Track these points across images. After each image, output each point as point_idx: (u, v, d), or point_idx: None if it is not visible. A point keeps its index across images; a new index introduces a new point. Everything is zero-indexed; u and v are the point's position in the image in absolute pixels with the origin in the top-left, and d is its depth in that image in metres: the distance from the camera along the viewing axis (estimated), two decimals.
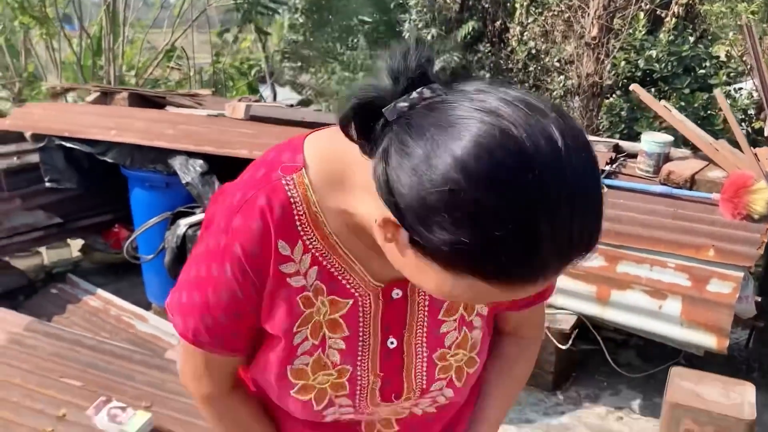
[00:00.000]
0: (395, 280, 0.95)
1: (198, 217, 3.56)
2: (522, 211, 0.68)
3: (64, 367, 3.02)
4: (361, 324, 0.98)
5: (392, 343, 1.01)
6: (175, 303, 1.00)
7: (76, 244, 4.74)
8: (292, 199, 0.89)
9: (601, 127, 5.64)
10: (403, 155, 0.72)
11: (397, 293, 0.98)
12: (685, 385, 2.68)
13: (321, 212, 0.90)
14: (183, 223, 3.49)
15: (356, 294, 0.96)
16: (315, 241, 0.91)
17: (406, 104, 0.75)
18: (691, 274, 2.91)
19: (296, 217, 0.89)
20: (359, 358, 0.99)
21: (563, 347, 3.22)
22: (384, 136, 0.75)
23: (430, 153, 0.70)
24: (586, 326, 3.34)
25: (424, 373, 1.03)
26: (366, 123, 0.77)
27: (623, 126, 5.44)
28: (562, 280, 3.22)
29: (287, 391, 1.00)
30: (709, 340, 2.88)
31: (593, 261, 3.17)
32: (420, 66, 0.78)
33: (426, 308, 1.00)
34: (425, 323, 1.01)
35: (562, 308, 3.28)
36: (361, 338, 0.99)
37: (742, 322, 3.93)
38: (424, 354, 1.02)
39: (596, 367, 3.64)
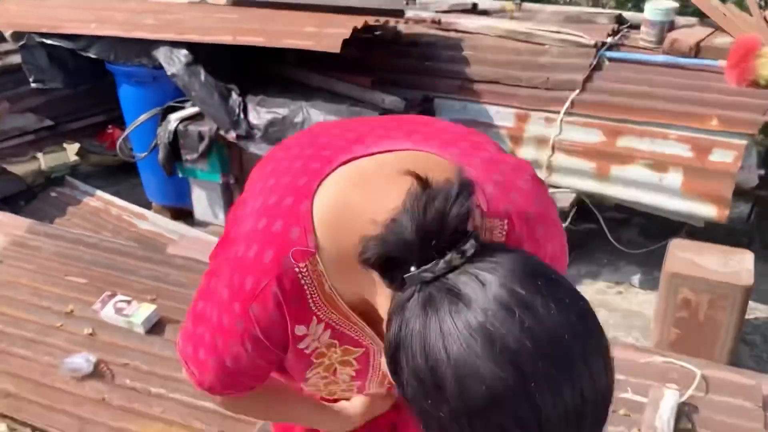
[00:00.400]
0: None
1: (188, 111, 3.48)
2: None
3: (68, 266, 3.05)
4: (370, 362, 1.03)
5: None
6: (189, 356, 1.03)
7: (72, 149, 4.68)
8: (306, 287, 0.89)
9: (607, 6, 5.41)
10: (413, 341, 0.72)
11: None
12: (684, 255, 2.69)
13: (335, 292, 0.90)
14: (173, 119, 3.43)
15: (366, 345, 1.00)
16: (329, 313, 0.93)
17: (429, 275, 0.72)
18: (693, 144, 2.85)
19: (311, 301, 0.91)
20: (368, 379, 1.06)
21: (563, 225, 3.21)
22: (404, 288, 0.74)
23: (435, 366, 0.69)
24: (587, 208, 3.32)
25: None
26: (388, 271, 0.76)
27: (630, 5, 5.22)
28: (561, 158, 3.18)
29: (300, 384, 1.07)
30: (709, 211, 2.86)
31: (592, 136, 3.11)
32: (455, 231, 0.71)
33: None
34: None
35: (560, 186, 3.25)
36: (370, 372, 1.05)
37: (744, 195, 3.91)
38: None
39: (597, 246, 3.66)
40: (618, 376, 2.45)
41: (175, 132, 3.40)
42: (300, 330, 0.93)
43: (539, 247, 0.92)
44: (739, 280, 2.51)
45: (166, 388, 2.39)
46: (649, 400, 2.22)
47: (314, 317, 0.93)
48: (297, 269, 0.87)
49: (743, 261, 2.63)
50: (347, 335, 0.97)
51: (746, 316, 2.85)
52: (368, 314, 0.94)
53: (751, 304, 3.10)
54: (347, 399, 1.18)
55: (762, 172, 3.44)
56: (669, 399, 2.21)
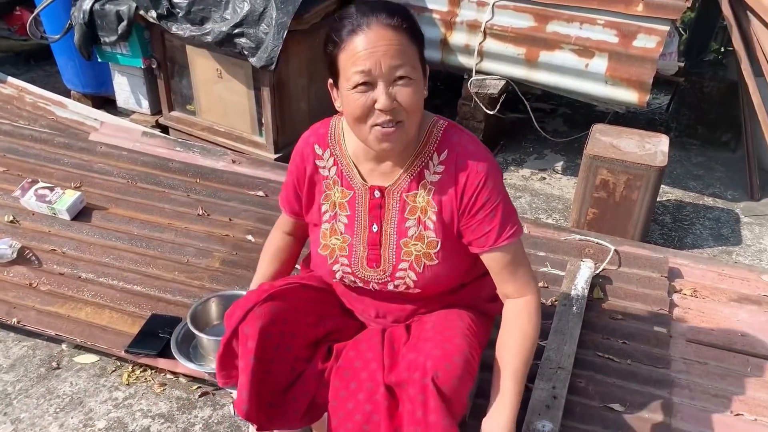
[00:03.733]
0: (376, 185, 1.48)
1: None
2: (339, 17, 1.35)
3: None
4: (357, 208, 1.51)
5: (375, 228, 1.50)
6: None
7: None
8: (331, 123, 1.55)
9: None
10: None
11: (377, 193, 1.48)
12: (604, 139, 2.79)
13: (343, 134, 1.52)
14: None
15: (355, 188, 1.50)
16: (336, 149, 1.52)
17: None
18: (619, 30, 2.89)
19: (329, 134, 1.53)
20: (355, 232, 1.51)
21: (491, 112, 3.26)
22: None
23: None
24: (515, 97, 3.37)
25: (393, 254, 1.50)
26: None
27: None
28: (491, 44, 3.17)
29: (316, 248, 1.56)
30: (631, 96, 2.95)
31: (523, 21, 3.10)
32: None
33: (396, 208, 1.49)
34: (395, 218, 1.49)
35: (490, 73, 3.26)
36: (357, 219, 1.51)
37: (665, 85, 4.05)
38: (394, 239, 1.49)
39: (524, 135, 3.75)
40: (538, 253, 2.60)
41: (91, 11, 3.19)
42: (318, 149, 1.52)
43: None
44: (654, 161, 2.63)
45: (96, 273, 2.38)
46: (566, 273, 2.37)
47: (328, 148, 1.52)
48: (332, 119, 1.55)
49: (659, 144, 2.76)
50: (345, 177, 1.51)
51: (659, 198, 3.03)
52: (357, 160, 1.49)
53: (664, 187, 3.30)
54: (345, 262, 1.54)
55: (682, 63, 3.55)
56: (584, 271, 2.36)
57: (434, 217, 1.47)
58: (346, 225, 1.52)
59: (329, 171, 1.52)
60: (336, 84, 1.38)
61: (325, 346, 1.59)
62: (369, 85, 1.30)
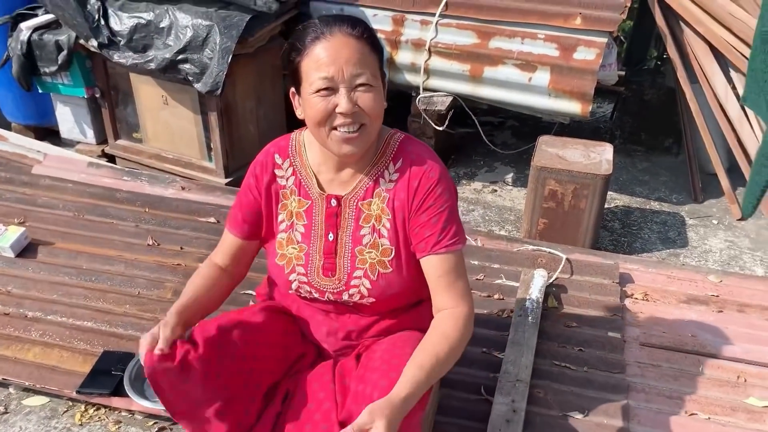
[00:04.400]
0: (333, 194, 1.51)
1: (42, 18, 3.19)
2: (303, 27, 1.41)
3: None
4: (314, 217, 1.53)
5: (331, 236, 1.53)
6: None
7: None
8: (292, 136, 1.58)
9: None
10: None
11: (333, 202, 1.52)
12: (550, 150, 2.85)
13: (305, 146, 1.56)
14: (25, 27, 3.13)
15: (312, 198, 1.54)
16: (296, 160, 1.55)
17: None
18: (559, 43, 2.96)
19: (290, 145, 1.57)
20: (312, 241, 1.54)
21: (440, 128, 3.30)
22: None
23: None
24: (464, 112, 3.41)
25: (348, 262, 1.52)
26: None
27: None
28: (436, 61, 3.22)
29: (274, 260, 1.58)
30: (574, 107, 3.02)
31: (466, 38, 3.15)
32: None
33: (352, 216, 1.52)
34: (350, 226, 1.52)
35: (437, 89, 3.30)
36: (313, 227, 1.54)
37: (608, 95, 4.16)
38: (349, 247, 1.52)
39: (474, 149, 3.80)
40: (493, 265, 2.62)
41: (29, 42, 3.12)
42: (278, 159, 1.55)
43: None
44: (600, 170, 2.69)
45: (44, 311, 2.31)
46: (520, 283, 2.40)
47: (288, 159, 1.55)
48: (293, 133, 1.58)
49: (603, 153, 2.83)
50: (303, 186, 1.53)
51: (606, 205, 3.10)
52: (316, 170, 1.53)
53: (611, 194, 3.38)
54: (301, 272, 1.55)
55: (623, 72, 3.66)
56: (537, 280, 2.39)
57: (388, 225, 1.50)
58: (303, 234, 1.54)
59: (287, 180, 1.55)
60: (298, 91, 1.42)
61: (285, 386, 1.56)
62: (331, 90, 1.35)
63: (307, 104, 1.38)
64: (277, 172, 1.55)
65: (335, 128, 1.37)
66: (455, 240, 1.47)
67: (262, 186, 1.56)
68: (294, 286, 1.57)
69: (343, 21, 1.37)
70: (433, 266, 1.48)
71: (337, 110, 1.35)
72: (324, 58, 1.34)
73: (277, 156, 1.56)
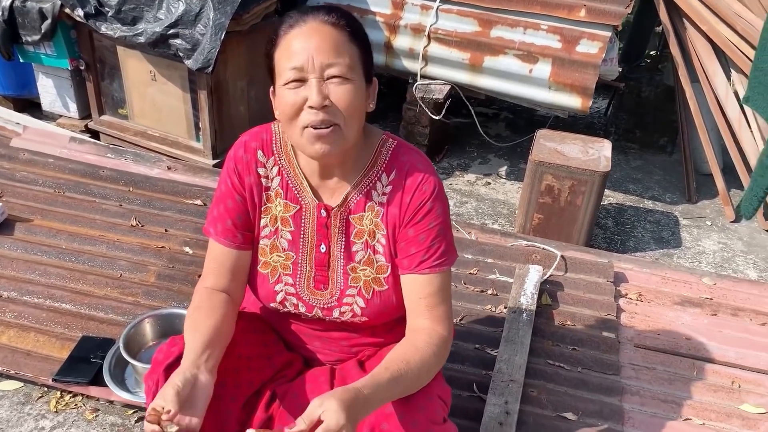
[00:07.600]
0: (323, 204, 1.37)
1: None
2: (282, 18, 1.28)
3: None
4: (303, 225, 1.39)
5: (323, 248, 1.39)
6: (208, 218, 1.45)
7: None
8: (274, 129, 1.41)
9: None
10: None
11: (323, 212, 1.37)
12: (548, 144, 2.79)
13: (290, 146, 1.38)
14: None
15: (302, 204, 1.38)
16: (283, 159, 1.39)
17: None
18: (562, 35, 2.90)
19: (274, 141, 1.39)
20: (301, 250, 1.40)
21: (436, 117, 3.22)
22: None
23: None
24: (459, 102, 3.34)
25: (341, 278, 1.39)
26: None
27: None
28: (436, 48, 3.14)
29: (256, 268, 1.41)
30: (574, 101, 2.96)
31: (467, 25, 3.08)
32: None
33: (342, 230, 1.38)
34: (341, 240, 1.38)
35: (434, 77, 3.23)
36: (302, 236, 1.39)
37: (603, 90, 4.12)
38: (341, 263, 1.39)
39: (468, 140, 3.73)
40: (486, 260, 2.53)
41: (11, 8, 2.99)
42: (261, 157, 1.38)
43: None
44: (598, 167, 2.64)
45: (19, 291, 2.21)
46: (515, 279, 2.35)
47: (273, 157, 1.38)
48: (273, 125, 1.41)
49: (602, 149, 2.78)
50: (291, 189, 1.38)
51: (601, 202, 3.05)
52: (307, 173, 1.37)
53: (606, 191, 3.33)
54: (289, 282, 1.41)
55: (620, 69, 3.61)
56: (533, 276, 2.34)
57: (383, 240, 1.37)
58: (290, 241, 1.39)
59: (272, 182, 1.38)
60: (274, 87, 1.28)
61: (269, 392, 1.45)
62: (301, 82, 1.20)
63: (278, 98, 1.25)
64: (261, 171, 1.38)
65: (307, 126, 1.21)
66: (442, 261, 1.34)
67: (245, 185, 1.38)
68: (279, 297, 1.41)
69: (321, 9, 1.25)
70: (415, 286, 1.34)
71: (307, 103, 1.19)
72: (294, 47, 1.21)
73: (260, 153, 1.37)
